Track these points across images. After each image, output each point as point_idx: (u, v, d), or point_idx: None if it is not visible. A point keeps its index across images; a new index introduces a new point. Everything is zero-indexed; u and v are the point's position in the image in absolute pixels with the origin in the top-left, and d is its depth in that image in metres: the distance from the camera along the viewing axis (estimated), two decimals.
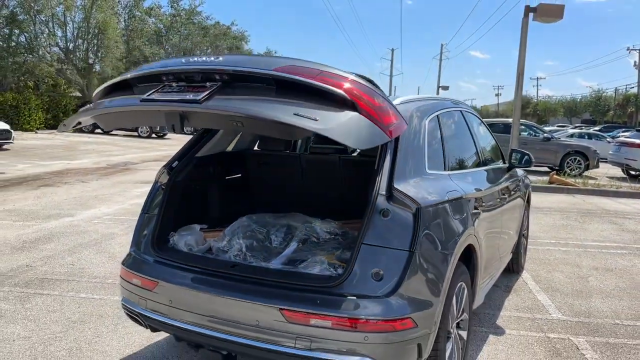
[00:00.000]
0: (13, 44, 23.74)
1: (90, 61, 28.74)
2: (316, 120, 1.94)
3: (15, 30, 23.76)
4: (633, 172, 15.61)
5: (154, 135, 24.81)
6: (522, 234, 5.24)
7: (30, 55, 24.53)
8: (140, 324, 2.68)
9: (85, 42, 28.44)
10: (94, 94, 2.56)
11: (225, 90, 2.14)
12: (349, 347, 2.15)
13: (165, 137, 25.19)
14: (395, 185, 2.32)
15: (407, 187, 2.37)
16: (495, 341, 3.55)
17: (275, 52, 71.85)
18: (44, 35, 26.19)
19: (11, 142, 15.93)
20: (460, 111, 3.70)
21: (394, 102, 2.64)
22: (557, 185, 11.69)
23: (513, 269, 5.03)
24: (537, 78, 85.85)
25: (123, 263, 2.76)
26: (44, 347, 3.21)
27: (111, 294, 4.16)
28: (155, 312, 2.53)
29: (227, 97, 2.11)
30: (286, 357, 2.21)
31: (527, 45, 12.11)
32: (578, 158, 15.53)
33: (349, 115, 2.05)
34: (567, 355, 3.36)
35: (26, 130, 23.00)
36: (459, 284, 2.71)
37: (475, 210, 3.00)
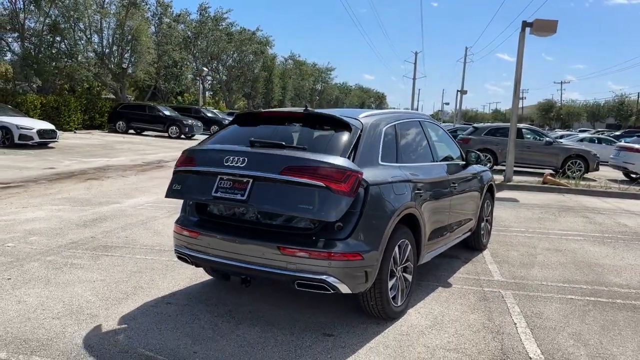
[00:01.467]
0: (55, 50, 25.61)
1: (124, 66, 30.60)
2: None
3: (57, 38, 25.63)
4: (633, 175, 16.48)
5: (182, 136, 26.45)
6: (486, 220, 6.46)
7: (70, 61, 26.38)
8: (187, 262, 4.01)
9: (120, 48, 30.32)
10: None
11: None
12: (319, 269, 3.44)
13: (193, 137, 26.79)
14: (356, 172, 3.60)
15: (365, 172, 3.65)
16: (442, 290, 4.79)
17: (299, 56, 73.41)
18: (83, 41, 28.09)
19: (56, 141, 17.64)
20: (419, 121, 4.97)
21: (361, 116, 3.97)
22: (550, 186, 12.74)
23: (475, 246, 6.24)
24: (562, 82, 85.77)
25: (177, 222, 4.09)
26: (116, 285, 4.56)
27: (159, 256, 5.52)
28: (198, 252, 3.86)
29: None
30: (280, 275, 3.51)
31: (523, 56, 13.20)
32: (578, 161, 16.46)
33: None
34: (492, 300, 4.58)
35: (66, 130, 24.84)
36: (401, 240, 3.97)
37: (418, 191, 4.25)
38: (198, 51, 40.93)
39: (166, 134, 26.49)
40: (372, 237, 3.61)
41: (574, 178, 15.29)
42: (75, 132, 24.96)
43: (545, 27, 12.67)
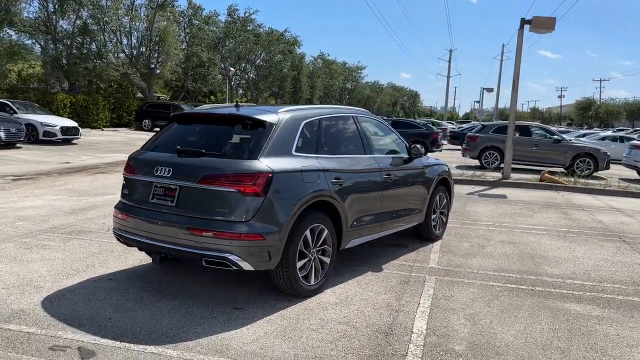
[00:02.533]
0: (85, 51, 26.87)
1: (152, 66, 31.75)
2: None
3: (87, 39, 26.88)
4: None
5: None
6: (440, 212, 6.71)
7: (99, 61, 27.62)
8: (120, 241, 4.48)
9: (148, 49, 31.49)
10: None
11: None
12: (222, 248, 3.84)
13: None
14: (260, 159, 3.99)
15: (269, 160, 4.03)
16: (370, 274, 5.10)
17: (328, 55, 73.75)
18: (112, 43, 29.34)
19: (79, 138, 18.63)
20: (353, 117, 5.31)
21: (281, 111, 4.37)
22: (547, 183, 12.71)
23: (426, 237, 6.50)
24: (600, 80, 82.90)
25: (115, 206, 4.58)
26: (72, 264, 5.08)
27: None
28: (127, 232, 4.33)
29: None
30: (189, 253, 3.93)
31: (522, 53, 13.20)
32: (587, 160, 16.26)
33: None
34: (412, 284, 4.87)
35: (94, 127, 26.11)
36: (314, 224, 4.33)
37: (337, 180, 4.58)
38: (226, 52, 41.89)
39: None
40: (275, 220, 3.98)
41: (581, 176, 15.16)
42: (102, 130, 26.16)
43: (543, 24, 12.65)
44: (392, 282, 4.92)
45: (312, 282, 4.41)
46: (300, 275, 4.27)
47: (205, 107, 5.28)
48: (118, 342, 3.40)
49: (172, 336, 3.54)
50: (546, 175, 13.07)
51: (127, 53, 30.66)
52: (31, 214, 7.25)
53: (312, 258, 4.41)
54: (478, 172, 14.33)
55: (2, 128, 15.57)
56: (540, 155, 16.73)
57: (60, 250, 5.51)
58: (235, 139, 4.30)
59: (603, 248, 6.66)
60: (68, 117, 24.31)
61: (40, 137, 17.51)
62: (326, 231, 4.51)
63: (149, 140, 4.81)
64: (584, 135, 25.91)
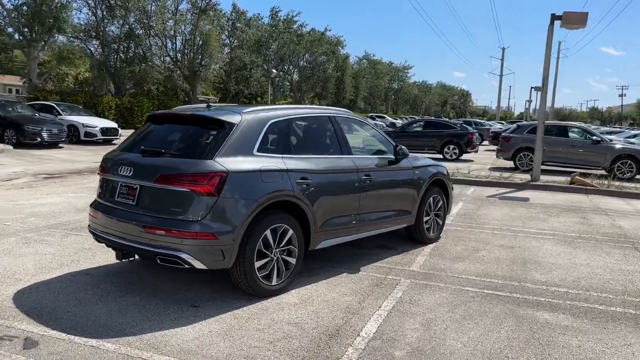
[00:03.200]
0: (130, 55, 27.97)
1: (195, 69, 32.64)
2: None
3: (132, 43, 27.98)
4: None
5: None
6: (436, 214, 6.56)
7: (144, 65, 28.67)
8: (92, 236, 4.65)
9: (191, 52, 32.39)
10: None
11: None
12: (173, 246, 3.92)
13: None
14: (215, 159, 4.04)
15: (226, 160, 4.07)
16: (344, 275, 5.05)
17: (373, 55, 73.37)
18: (157, 46, 30.38)
19: (118, 138, 19.40)
20: (330, 117, 5.27)
21: (245, 111, 4.42)
22: (577, 186, 12.13)
23: (418, 239, 6.37)
24: None
25: (89, 205, 4.76)
26: (59, 258, 5.31)
27: None
28: (97, 230, 4.49)
29: None
30: (145, 251, 4.04)
31: (551, 51, 12.66)
32: (629, 162, 15.39)
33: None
34: (383, 286, 4.78)
35: (138, 128, 27.11)
36: (277, 224, 4.34)
37: (304, 180, 4.57)
38: (269, 54, 42.47)
39: None
40: (228, 220, 4.02)
41: (623, 179, 14.38)
42: None
43: (574, 20, 12.10)
44: (363, 284, 4.85)
45: (274, 283, 4.42)
46: (259, 275, 4.28)
47: (179, 108, 5.39)
48: (64, 335, 3.54)
49: (118, 331, 3.64)
50: (577, 177, 12.47)
51: (172, 56, 31.65)
52: (45, 210, 7.63)
53: (275, 258, 4.42)
54: (506, 174, 13.86)
55: (44, 129, 16.46)
56: (578, 157, 15.99)
57: (55, 246, 5.77)
58: (196, 139, 4.36)
59: (609, 255, 6.30)
60: (113, 119, 25.38)
61: (82, 138, 18.38)
62: (291, 231, 4.50)
63: (124, 140, 4.96)
64: (634, 136, 24.51)
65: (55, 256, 5.37)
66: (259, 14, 47.85)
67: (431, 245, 6.41)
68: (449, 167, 14.71)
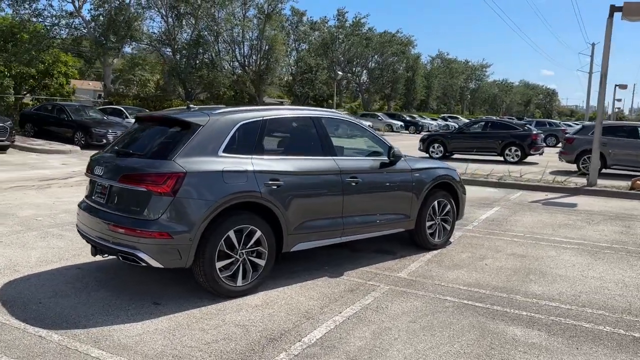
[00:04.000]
0: (199, 61, 29.26)
1: (261, 73, 33.52)
2: None
3: (201, 50, 29.25)
4: None
5: None
6: (442, 219, 6.28)
7: (212, 70, 29.86)
8: (78, 232, 4.92)
9: (258, 56, 33.30)
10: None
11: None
12: (131, 244, 4.05)
13: None
14: (174, 159, 4.12)
15: (185, 161, 4.14)
16: (324, 279, 4.96)
17: (447, 54, 71.48)
18: (224, 52, 31.56)
19: None
20: (313, 118, 5.20)
21: (216, 112, 4.51)
22: (637, 191, 11.10)
23: (421, 245, 6.12)
24: None
25: (78, 205, 5.03)
26: (64, 253, 5.64)
27: None
28: (79, 226, 4.74)
29: None
30: (109, 248, 4.20)
31: (610, 45, 11.67)
32: None
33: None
34: (356, 292, 4.64)
35: None
36: (242, 225, 4.35)
37: (273, 182, 4.54)
38: (335, 56, 42.69)
39: None
40: (184, 219, 4.09)
41: None
42: None
43: (636, 11, 11.08)
44: (338, 288, 4.74)
45: (240, 284, 4.42)
46: (222, 276, 4.31)
47: (164, 111, 5.55)
48: (22, 324, 3.76)
49: (72, 323, 3.81)
50: (638, 182, 11.40)
51: (240, 61, 32.73)
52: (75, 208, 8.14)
53: (241, 259, 4.42)
54: (562, 178, 12.96)
55: (110, 131, 17.60)
56: None
57: (67, 240, 6.15)
58: (163, 140, 4.48)
59: (632, 268, 5.70)
60: None
61: None
62: (259, 233, 4.49)
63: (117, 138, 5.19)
64: None
65: (61, 250, 5.72)
66: (325, 16, 48.20)
67: (435, 252, 6.13)
68: (508, 169, 14.00)
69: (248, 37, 32.69)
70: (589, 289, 4.97)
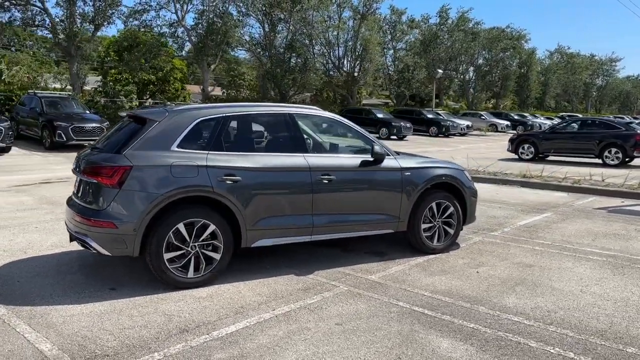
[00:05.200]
0: (292, 64, 30.15)
1: (355, 74, 33.64)
2: None
3: (293, 53, 30.12)
4: None
5: (392, 137, 27.81)
6: (446, 222, 5.94)
7: (304, 73, 30.60)
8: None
9: (352, 58, 33.47)
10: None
11: None
12: (83, 232, 4.37)
13: (404, 138, 27.75)
14: (124, 153, 4.38)
15: (134, 155, 4.37)
16: (288, 276, 4.92)
17: (568, 48, 65.99)
18: (319, 54, 32.17)
19: None
20: (284, 114, 5.18)
21: (175, 109, 4.69)
22: None
23: (416, 248, 5.81)
24: None
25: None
26: (58, 241, 6.19)
27: None
28: (65, 218, 5.20)
29: None
30: (75, 237, 4.56)
31: None
32: None
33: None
34: (311, 291, 4.54)
35: None
36: (193, 219, 4.49)
37: (228, 177, 4.60)
38: (435, 54, 41.41)
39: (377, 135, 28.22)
40: (129, 210, 4.31)
41: None
42: None
43: None
44: (293, 287, 4.68)
45: (191, 276, 4.55)
46: (172, 267, 4.46)
47: (139, 109, 5.83)
48: None
49: (28, 300, 4.21)
50: None
51: (333, 62, 33.14)
52: None
53: (193, 252, 4.55)
54: None
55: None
56: None
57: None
58: (123, 135, 4.74)
59: None
60: None
61: None
62: (212, 227, 4.58)
63: None
64: None
65: (58, 240, 6.10)
66: (427, 14, 46.81)
67: (431, 256, 5.77)
68: (601, 173, 12.61)
69: (343, 38, 33.01)
70: (576, 305, 4.37)
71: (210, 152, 4.69)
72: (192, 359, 3.32)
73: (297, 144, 5.16)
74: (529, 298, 4.52)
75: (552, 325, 3.94)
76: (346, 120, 5.72)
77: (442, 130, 31.13)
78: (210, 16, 26.19)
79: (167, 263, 4.45)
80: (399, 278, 5.01)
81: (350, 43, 32.76)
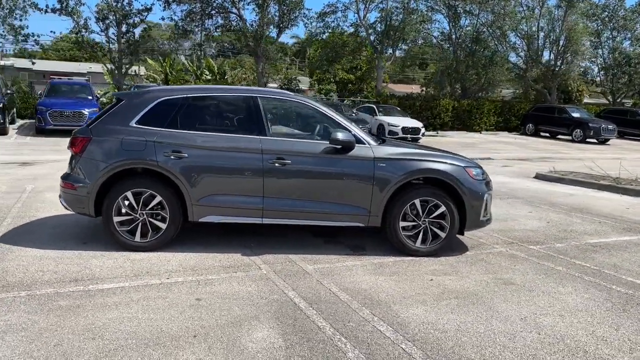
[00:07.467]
0: (475, 59, 28.42)
1: (555, 68, 30.06)
2: None
3: (477, 47, 28.35)
4: None
5: (588, 140, 24.18)
6: (434, 223, 5.32)
7: (489, 67, 28.53)
8: None
9: (555, 49, 29.94)
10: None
11: None
12: (60, 192, 5.24)
13: (606, 142, 23.90)
14: (90, 127, 5.08)
15: (96, 128, 5.04)
16: (231, 254, 5.05)
17: None
18: (509, 47, 29.69)
19: (419, 137, 20.63)
20: (248, 97, 5.27)
21: (143, 90, 5.29)
22: None
23: (396, 247, 5.31)
24: None
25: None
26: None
27: None
28: None
29: None
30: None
31: None
32: None
33: None
34: (232, 270, 4.61)
35: (473, 130, 27.39)
36: (139, 189, 4.98)
37: (175, 153, 4.94)
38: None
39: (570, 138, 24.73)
40: (85, 175, 5.01)
41: None
42: (480, 133, 27.08)
43: None
44: (220, 264, 4.82)
45: (138, 240, 5.03)
46: (120, 229, 5.02)
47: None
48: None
49: (25, 241, 5.20)
50: None
51: (529, 55, 30.11)
52: None
53: (141, 219, 5.02)
54: None
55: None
56: None
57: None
58: (104, 112, 5.41)
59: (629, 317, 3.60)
60: (449, 121, 26.81)
61: (385, 135, 20.50)
62: (158, 197, 5.00)
63: None
64: None
65: (65, 216, 6.45)
66: None
67: (409, 258, 5.19)
68: None
69: (543, 29, 29.69)
70: (486, 330, 3.53)
71: (163, 129, 5.08)
72: (41, 301, 3.78)
73: (255, 126, 5.19)
74: (443, 315, 3.80)
75: (473, 350, 3.30)
76: (319, 104, 5.49)
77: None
78: (392, 13, 26.40)
79: (116, 225, 5.01)
80: (329, 272, 4.69)
81: (551, 35, 29.33)
